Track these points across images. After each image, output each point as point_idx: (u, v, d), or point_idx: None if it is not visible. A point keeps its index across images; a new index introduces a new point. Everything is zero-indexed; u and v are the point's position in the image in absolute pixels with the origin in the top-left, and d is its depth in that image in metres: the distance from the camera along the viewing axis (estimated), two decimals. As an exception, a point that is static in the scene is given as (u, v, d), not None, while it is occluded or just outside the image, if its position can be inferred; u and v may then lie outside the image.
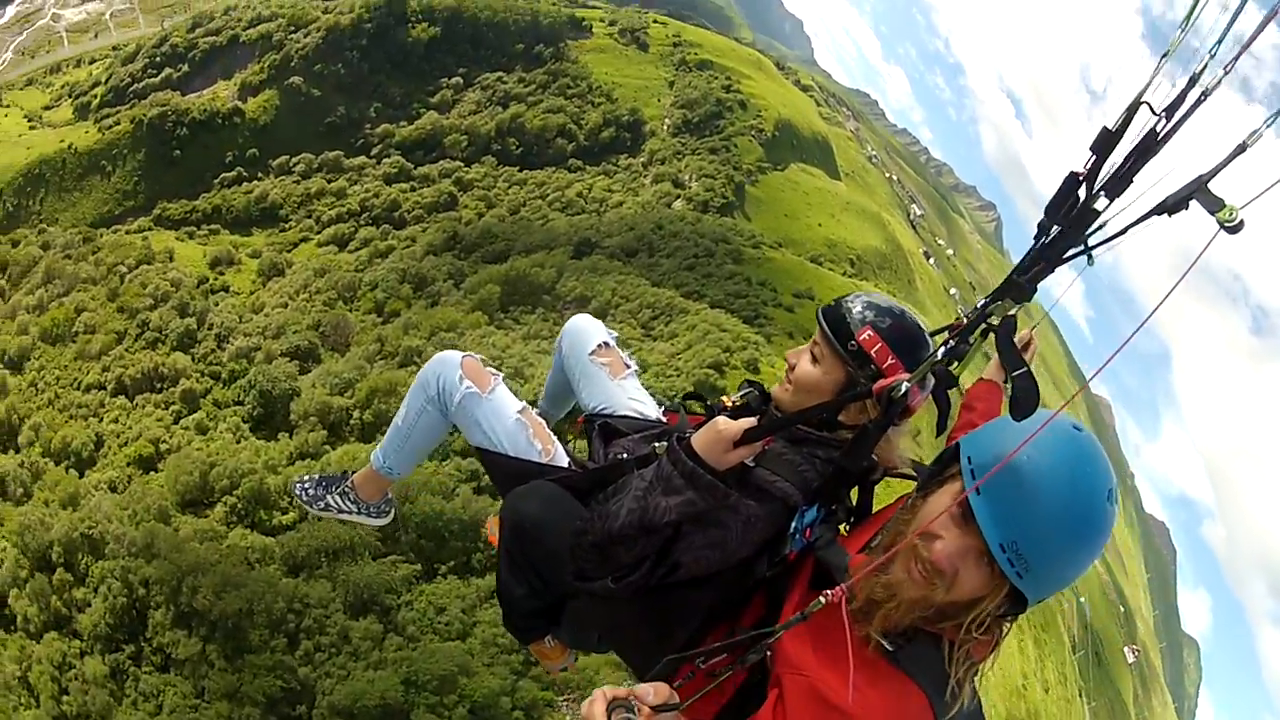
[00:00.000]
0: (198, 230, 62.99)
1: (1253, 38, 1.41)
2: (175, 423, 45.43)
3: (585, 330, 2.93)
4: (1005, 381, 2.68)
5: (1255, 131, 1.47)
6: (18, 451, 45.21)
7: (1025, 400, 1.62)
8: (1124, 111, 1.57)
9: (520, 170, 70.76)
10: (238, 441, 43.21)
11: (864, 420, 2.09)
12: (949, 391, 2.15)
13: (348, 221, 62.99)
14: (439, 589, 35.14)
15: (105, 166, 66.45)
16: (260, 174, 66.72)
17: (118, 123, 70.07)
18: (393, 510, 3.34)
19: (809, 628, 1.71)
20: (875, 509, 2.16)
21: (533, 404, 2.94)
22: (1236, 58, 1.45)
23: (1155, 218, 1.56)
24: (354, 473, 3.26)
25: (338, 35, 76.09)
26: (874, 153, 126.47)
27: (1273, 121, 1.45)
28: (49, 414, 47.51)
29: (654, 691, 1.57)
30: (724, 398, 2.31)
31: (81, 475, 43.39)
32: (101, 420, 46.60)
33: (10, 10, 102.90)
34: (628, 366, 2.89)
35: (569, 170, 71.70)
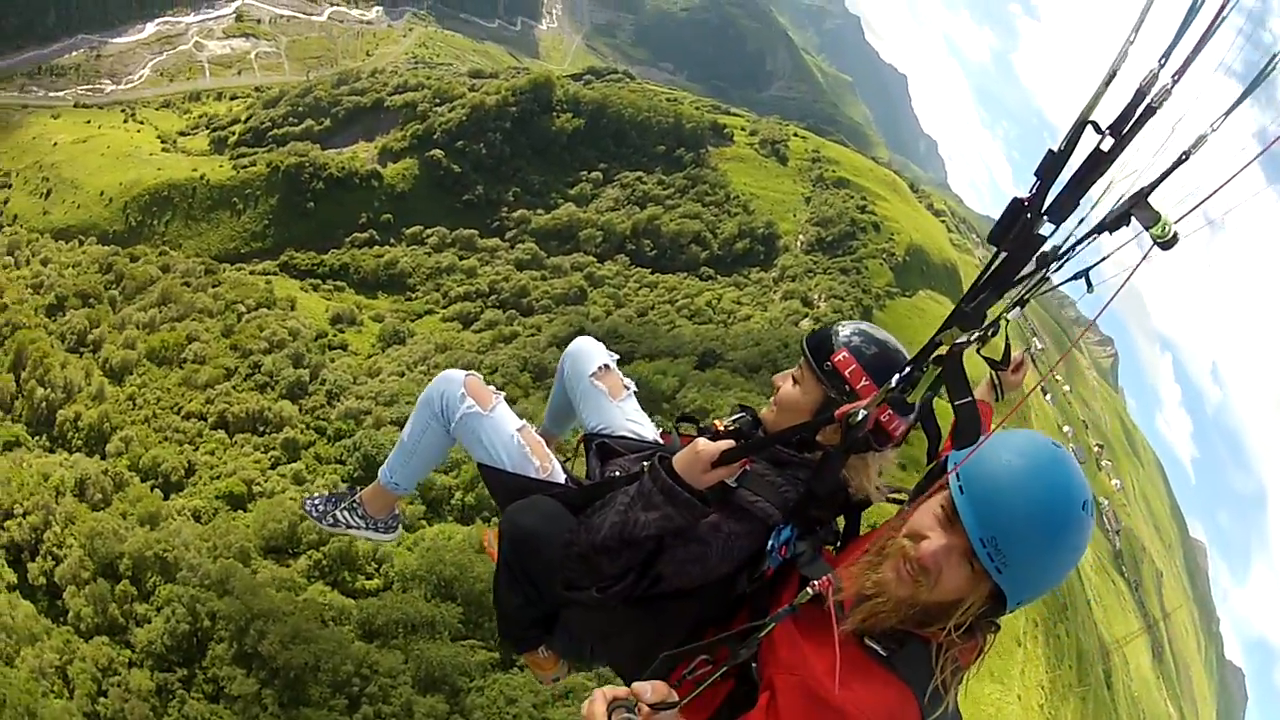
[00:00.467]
0: (322, 284, 73.97)
1: (1198, 48, 1.69)
2: (272, 468, 52.66)
3: (587, 353, 3.58)
4: (996, 400, 3.42)
5: (1199, 139, 1.77)
6: (104, 458, 53.05)
7: (967, 428, 2.07)
8: (1069, 131, 1.83)
9: (652, 273, 79.69)
10: None
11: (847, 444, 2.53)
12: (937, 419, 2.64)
13: (475, 301, 71.62)
14: (514, 680, 38.02)
15: (236, 204, 78.60)
16: (392, 240, 77.73)
17: (254, 164, 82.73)
18: (399, 526, 4.05)
19: (800, 630, 2.15)
20: (864, 533, 2.61)
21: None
22: (1182, 70, 1.70)
23: (1099, 235, 1.93)
24: (362, 489, 3.94)
25: (482, 114, 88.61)
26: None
27: (1218, 127, 1.76)
28: (143, 430, 55.56)
29: (652, 690, 1.94)
30: (716, 421, 2.77)
31: (166, 497, 50.33)
32: (197, 449, 54.14)
33: (151, 27, 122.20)
34: (626, 389, 3.51)
35: (700, 278, 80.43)
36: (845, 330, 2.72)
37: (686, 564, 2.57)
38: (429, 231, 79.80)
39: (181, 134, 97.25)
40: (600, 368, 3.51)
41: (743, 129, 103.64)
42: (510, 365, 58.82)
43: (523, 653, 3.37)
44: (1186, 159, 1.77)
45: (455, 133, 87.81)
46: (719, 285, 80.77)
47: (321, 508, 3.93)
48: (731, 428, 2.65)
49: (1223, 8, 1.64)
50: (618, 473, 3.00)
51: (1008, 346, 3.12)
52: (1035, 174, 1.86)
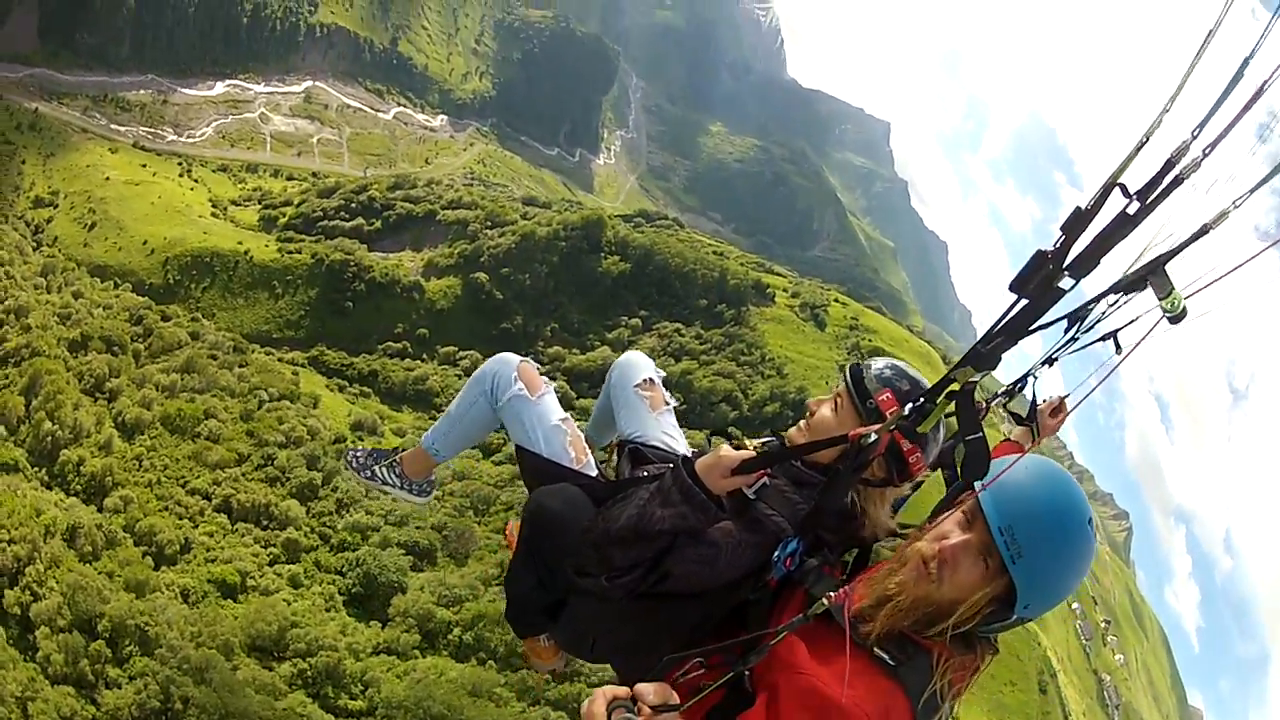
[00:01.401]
0: (348, 386, 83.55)
1: (1231, 124, 1.96)
2: (270, 564, 60.07)
3: (635, 364, 4.28)
4: (1031, 442, 3.98)
5: (1220, 214, 2.05)
6: (100, 511, 60.29)
7: (976, 462, 2.55)
8: (1097, 191, 2.13)
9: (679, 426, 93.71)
10: (327, 610, 57.04)
11: (873, 475, 3.09)
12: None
13: (499, 431, 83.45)
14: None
15: (276, 287, 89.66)
16: (425, 355, 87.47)
17: (299, 251, 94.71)
18: (433, 492, 4.77)
19: (804, 636, 2.54)
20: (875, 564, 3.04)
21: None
22: (1215, 144, 1.97)
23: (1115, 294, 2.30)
24: (403, 450, 4.72)
25: (531, 244, 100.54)
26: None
27: (1240, 204, 2.04)
28: (144, 494, 63.23)
29: (654, 691, 2.23)
30: (749, 441, 3.35)
31: (157, 568, 57.47)
32: (196, 527, 61.75)
33: (220, 87, 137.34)
34: (667, 403, 4.19)
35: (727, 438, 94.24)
36: (881, 369, 3.28)
37: (695, 564, 3.04)
38: (463, 354, 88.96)
39: (234, 203, 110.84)
40: (645, 380, 4.23)
41: (785, 290, 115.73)
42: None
43: (525, 638, 4.17)
44: (1206, 232, 2.09)
45: (502, 258, 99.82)
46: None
47: (362, 460, 4.78)
48: (760, 449, 3.27)
49: (1261, 89, 1.93)
50: (646, 473, 3.60)
51: (1034, 402, 3.72)
52: (1060, 229, 2.23)
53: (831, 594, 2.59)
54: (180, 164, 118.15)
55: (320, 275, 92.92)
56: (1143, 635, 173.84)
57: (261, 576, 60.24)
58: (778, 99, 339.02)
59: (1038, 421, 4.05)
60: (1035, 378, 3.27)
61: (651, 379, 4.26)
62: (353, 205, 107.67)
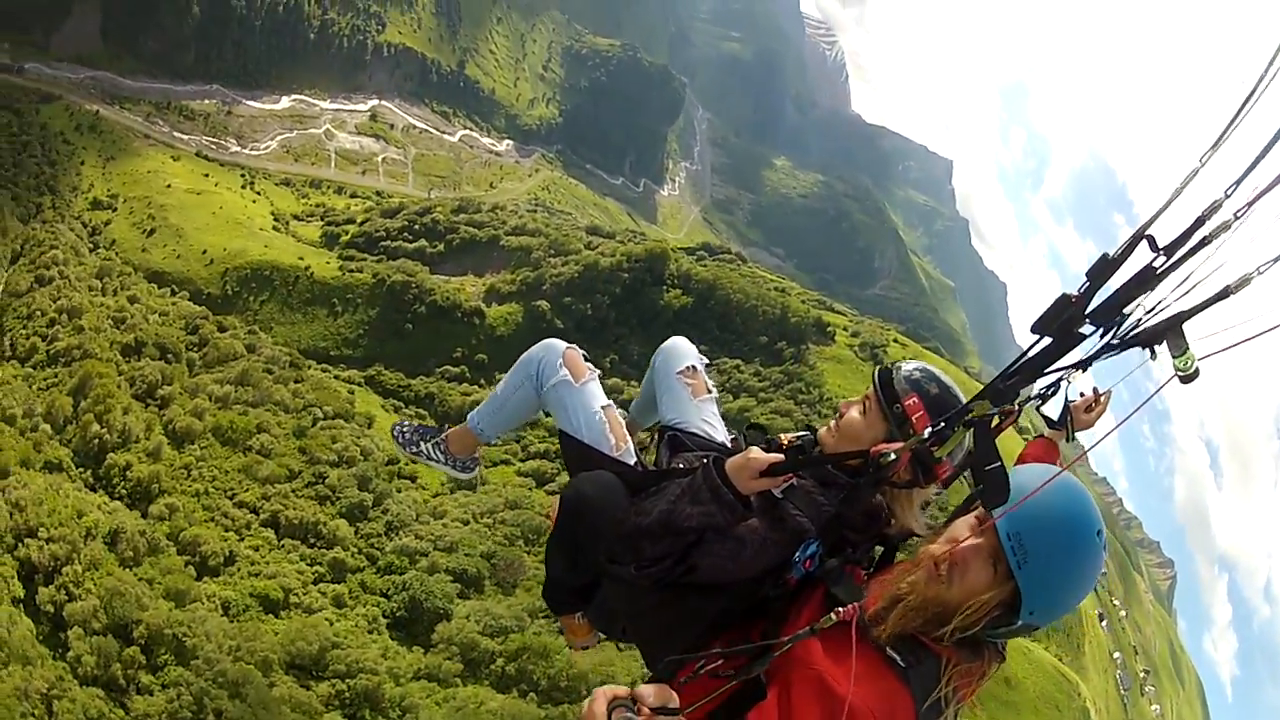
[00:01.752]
0: (404, 408, 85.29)
1: (1267, 188, 2.04)
2: (314, 583, 61.62)
3: (679, 351, 4.57)
4: (1067, 439, 4.47)
5: (1243, 279, 2.13)
6: (144, 517, 62.41)
7: (995, 490, 2.70)
8: (1126, 241, 2.31)
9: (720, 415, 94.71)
10: (370, 632, 58.27)
11: (898, 477, 3.31)
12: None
13: (554, 461, 79.75)
14: None
15: (335, 305, 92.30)
16: (483, 381, 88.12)
17: (360, 270, 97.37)
18: (477, 469, 5.18)
19: (822, 635, 2.76)
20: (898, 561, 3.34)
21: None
22: (1251, 204, 2.07)
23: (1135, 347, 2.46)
24: (450, 428, 5.10)
25: (594, 275, 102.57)
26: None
27: (1265, 271, 2.12)
28: (191, 503, 65.38)
29: (654, 693, 2.38)
30: (783, 435, 3.57)
31: (199, 578, 59.37)
32: (241, 540, 63.58)
33: (286, 101, 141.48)
34: (709, 391, 4.46)
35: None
36: (912, 373, 3.53)
37: (721, 560, 3.29)
38: None
39: (296, 217, 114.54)
40: (688, 367, 4.52)
41: (845, 329, 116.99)
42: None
43: (560, 614, 4.49)
44: (1227, 295, 2.18)
45: (565, 287, 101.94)
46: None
47: (409, 435, 5.15)
48: (795, 443, 3.48)
49: None
50: (681, 465, 3.92)
51: (1066, 405, 4.25)
52: (1086, 274, 2.44)
53: (840, 609, 2.78)
54: (243, 176, 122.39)
55: (381, 295, 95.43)
56: (1179, 685, 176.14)
57: (305, 594, 61.69)
58: (842, 134, 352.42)
59: (1071, 419, 4.54)
60: (1069, 382, 3.49)
61: (694, 366, 4.55)
62: (416, 227, 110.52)
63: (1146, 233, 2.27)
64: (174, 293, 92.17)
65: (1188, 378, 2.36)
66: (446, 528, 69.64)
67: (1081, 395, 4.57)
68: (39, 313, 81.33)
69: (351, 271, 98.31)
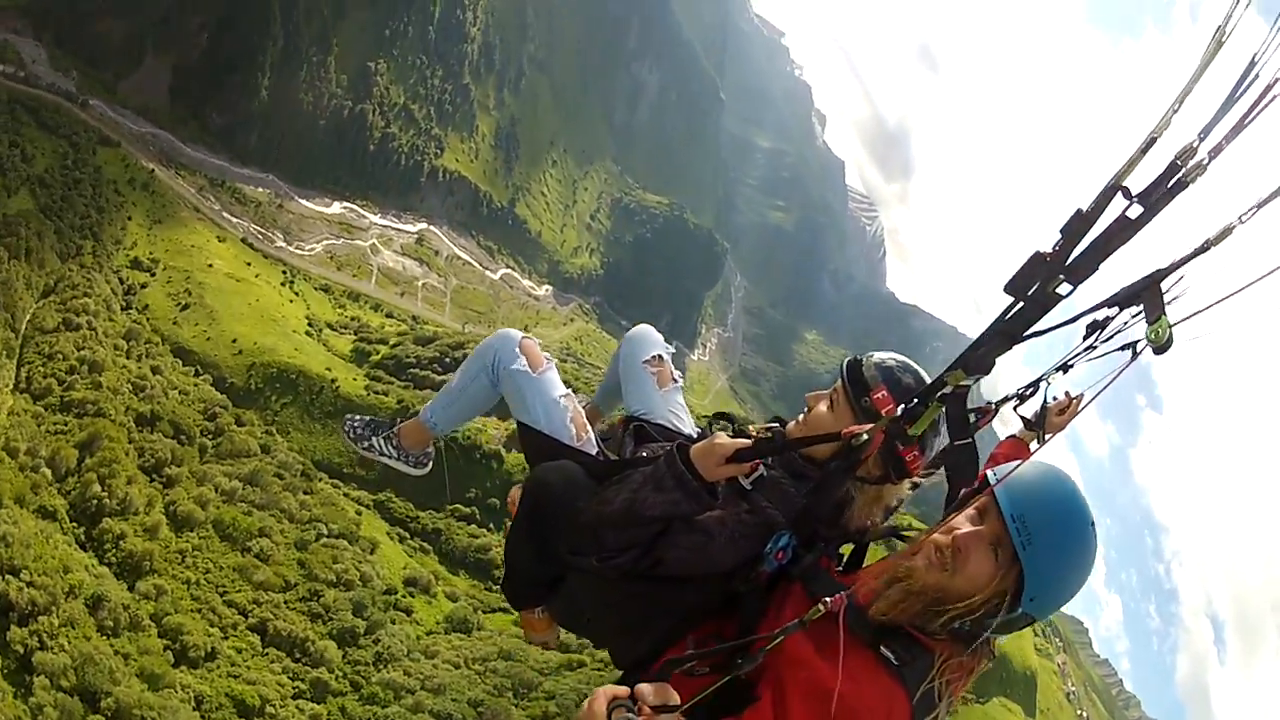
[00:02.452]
0: (409, 538, 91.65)
1: (1237, 128, 2.17)
2: (294, 697, 65.83)
3: (646, 339, 5.00)
4: (1039, 442, 4.69)
5: (1224, 229, 2.25)
6: (130, 590, 67.07)
7: (963, 466, 3.12)
8: (1098, 193, 2.39)
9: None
10: None
11: (866, 473, 3.56)
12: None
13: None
14: None
15: None
16: (492, 525, 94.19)
17: (386, 393, 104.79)
18: (430, 463, 5.53)
19: (809, 634, 2.90)
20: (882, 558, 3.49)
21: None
22: (1218, 149, 2.19)
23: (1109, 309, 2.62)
24: (403, 421, 5.43)
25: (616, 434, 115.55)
26: (1073, 688, 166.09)
27: (1247, 219, 2.23)
28: (180, 590, 70.16)
29: (654, 691, 2.59)
30: (751, 426, 3.86)
31: (175, 665, 63.76)
32: (226, 638, 68.09)
33: (337, 207, 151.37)
34: (675, 381, 4.85)
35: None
36: (880, 364, 3.73)
37: (688, 552, 3.51)
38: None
39: (330, 326, 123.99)
40: (655, 356, 4.93)
41: None
42: (570, 697, 71.51)
43: (520, 609, 4.74)
44: (1208, 248, 2.30)
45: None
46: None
47: (360, 430, 5.50)
48: (763, 435, 3.70)
49: (1266, 92, 2.14)
50: (646, 454, 4.12)
51: (1043, 407, 4.50)
52: (1060, 231, 2.52)
53: (829, 599, 2.97)
54: (284, 273, 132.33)
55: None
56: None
57: (282, 707, 65.75)
58: (875, 310, 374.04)
59: (1045, 422, 4.95)
60: (1049, 383, 3.64)
61: (661, 355, 5.01)
62: (447, 359, 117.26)
63: (1121, 184, 2.41)
64: (198, 374, 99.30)
65: (1161, 348, 2.51)
66: (437, 668, 73.94)
67: (1056, 399, 4.96)
68: (61, 355, 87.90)
69: (378, 393, 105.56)
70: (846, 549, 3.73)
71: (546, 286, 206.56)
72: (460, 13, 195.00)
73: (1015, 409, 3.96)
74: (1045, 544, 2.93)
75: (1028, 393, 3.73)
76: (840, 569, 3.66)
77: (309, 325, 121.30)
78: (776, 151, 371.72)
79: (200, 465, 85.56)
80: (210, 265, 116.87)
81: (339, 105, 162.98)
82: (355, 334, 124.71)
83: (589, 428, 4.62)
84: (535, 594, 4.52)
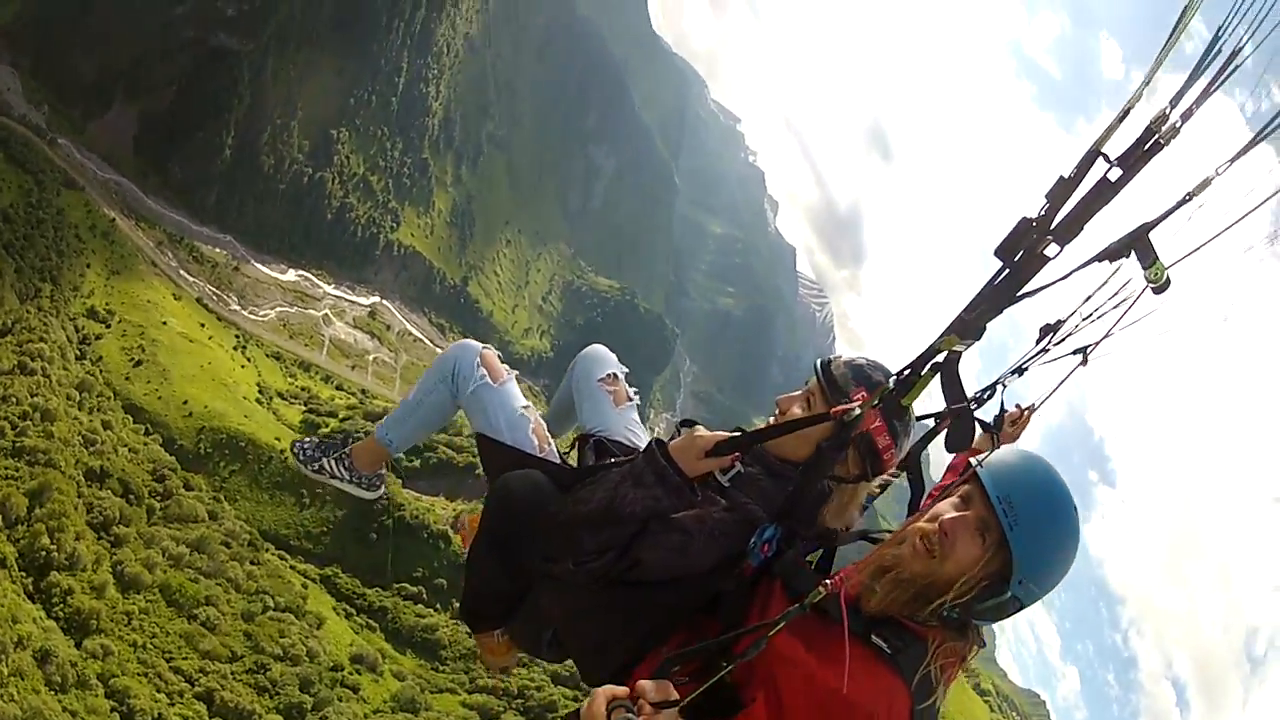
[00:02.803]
0: (355, 615, 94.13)
1: (1205, 92, 2.40)
2: None
3: (599, 358, 5.18)
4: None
5: (1204, 181, 2.43)
6: (78, 648, 69.08)
7: (959, 435, 3.26)
8: (1080, 159, 2.58)
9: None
10: None
11: (845, 472, 3.72)
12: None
13: (501, 699, 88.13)
14: None
15: (304, 496, 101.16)
16: (439, 606, 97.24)
17: None
18: (382, 485, 5.59)
19: (800, 631, 3.01)
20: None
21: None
22: (1188, 114, 2.41)
23: (1098, 263, 2.69)
24: (354, 441, 5.47)
25: None
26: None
27: (1223, 171, 2.42)
28: (127, 652, 72.12)
29: (654, 688, 2.71)
30: (719, 433, 3.70)
31: None
32: (173, 705, 70.04)
33: (292, 274, 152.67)
34: (630, 400, 5.02)
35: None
36: (860, 361, 3.89)
37: (667, 552, 3.56)
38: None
39: (280, 395, 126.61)
40: (609, 375, 5.10)
41: None
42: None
43: (479, 631, 4.80)
44: (1189, 199, 2.48)
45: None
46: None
47: (310, 452, 5.46)
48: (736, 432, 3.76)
49: (1229, 62, 2.38)
50: (613, 461, 4.25)
51: (1002, 408, 4.43)
52: (1045, 196, 2.70)
53: (829, 581, 3.09)
54: (238, 337, 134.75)
55: (351, 498, 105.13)
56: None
57: (230, 781, 68.33)
58: None
59: (998, 435, 4.81)
60: (1004, 386, 3.93)
61: (615, 374, 5.18)
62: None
63: (1100, 150, 2.59)
64: (148, 432, 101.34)
65: (1160, 287, 2.68)
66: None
67: (1013, 409, 5.09)
68: (14, 399, 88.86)
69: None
70: (813, 557, 3.78)
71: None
72: (424, 86, 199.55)
73: (972, 412, 3.83)
74: (1032, 525, 3.04)
75: (984, 396, 3.97)
76: (814, 572, 3.65)
77: (259, 393, 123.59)
78: (728, 238, 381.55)
79: (148, 526, 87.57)
80: (165, 323, 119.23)
81: (300, 171, 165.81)
82: (305, 405, 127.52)
83: (550, 440, 4.76)
84: (496, 614, 4.67)
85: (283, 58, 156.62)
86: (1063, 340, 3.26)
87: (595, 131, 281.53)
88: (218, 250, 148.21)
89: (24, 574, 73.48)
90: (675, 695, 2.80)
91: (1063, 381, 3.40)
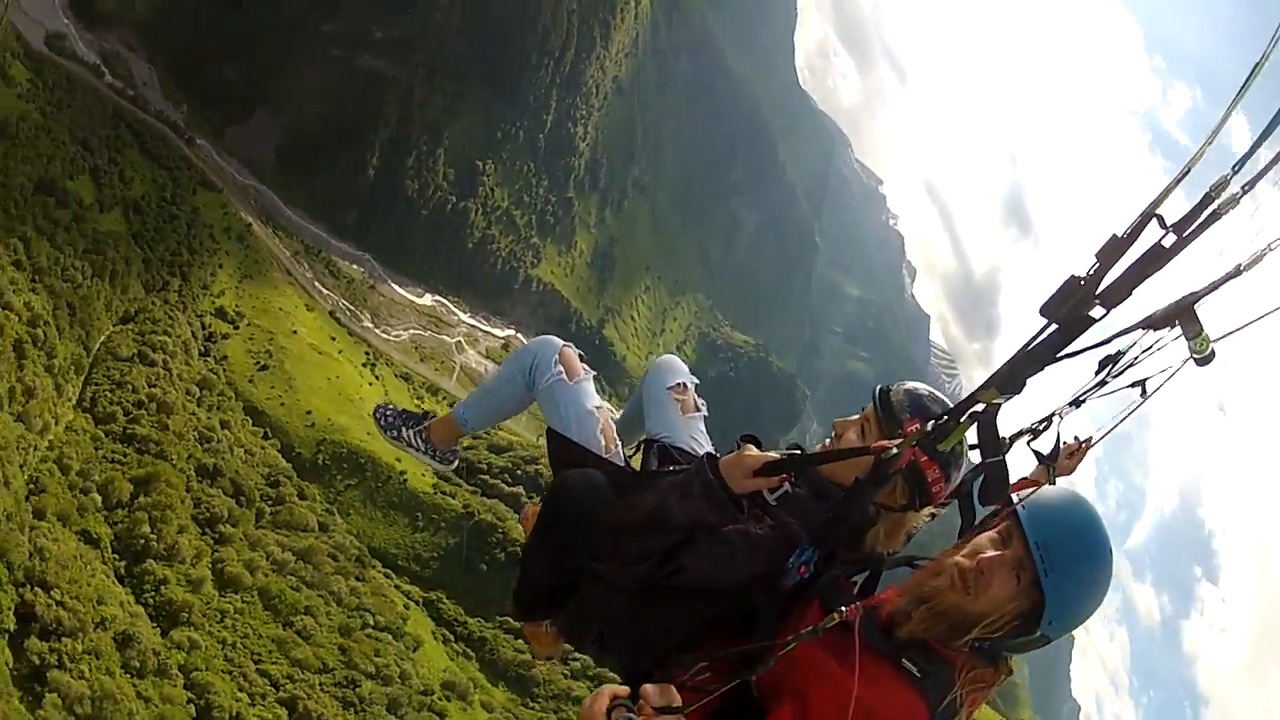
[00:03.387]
0: (453, 641, 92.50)
1: (1271, 164, 2.37)
2: None
3: (671, 367, 5.28)
4: (1048, 479, 3.91)
5: (1256, 255, 2.45)
6: (164, 637, 68.81)
7: (995, 485, 3.29)
8: (1134, 221, 2.60)
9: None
10: None
11: (892, 501, 3.83)
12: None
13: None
14: None
15: (419, 519, 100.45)
16: None
17: (454, 495, 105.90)
18: (456, 460, 5.91)
19: (831, 648, 3.17)
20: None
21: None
22: (1254, 181, 2.40)
23: (1142, 331, 2.79)
24: (433, 416, 5.87)
25: None
26: None
27: (1275, 247, 2.41)
28: (214, 647, 71.35)
29: (658, 692, 2.82)
30: (774, 453, 3.85)
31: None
32: (253, 706, 68.66)
33: (429, 299, 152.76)
34: (698, 409, 5.10)
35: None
36: (911, 394, 4.08)
37: (709, 562, 3.65)
38: (576, 656, 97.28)
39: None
40: (679, 384, 5.18)
41: None
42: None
43: (528, 621, 5.01)
44: (1239, 273, 2.51)
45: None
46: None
47: (391, 419, 5.93)
48: (785, 454, 3.88)
49: None
50: (672, 468, 4.43)
51: (1058, 441, 4.18)
52: (1095, 256, 2.72)
53: (845, 608, 3.25)
54: (367, 354, 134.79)
55: (467, 529, 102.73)
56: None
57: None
58: None
59: (1055, 465, 4.66)
60: (1060, 418, 3.82)
61: (685, 383, 5.22)
62: (518, 472, 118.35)
63: (1155, 212, 2.61)
64: (266, 436, 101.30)
65: (1203, 360, 2.73)
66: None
67: (1069, 441, 4.97)
68: (130, 386, 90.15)
69: (444, 493, 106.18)
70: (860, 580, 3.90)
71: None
72: (572, 125, 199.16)
73: (1029, 444, 4.00)
74: (1066, 572, 3.14)
75: (1040, 428, 3.86)
76: (857, 593, 3.79)
77: None
78: (864, 300, 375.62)
79: (255, 529, 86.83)
80: (295, 332, 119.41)
81: (443, 198, 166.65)
82: None
83: (619, 441, 4.88)
84: (544, 605, 4.74)
85: (431, 86, 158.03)
86: (1122, 373, 3.18)
87: (739, 185, 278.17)
88: (355, 267, 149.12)
89: (116, 556, 73.34)
90: (678, 701, 2.95)
91: (1125, 417, 3.44)
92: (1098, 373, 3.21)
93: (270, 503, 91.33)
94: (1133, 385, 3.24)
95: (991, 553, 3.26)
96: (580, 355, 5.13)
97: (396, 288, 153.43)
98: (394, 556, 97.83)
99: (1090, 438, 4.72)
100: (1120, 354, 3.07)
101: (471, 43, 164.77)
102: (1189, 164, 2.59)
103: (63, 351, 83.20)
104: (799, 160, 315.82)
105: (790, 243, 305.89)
